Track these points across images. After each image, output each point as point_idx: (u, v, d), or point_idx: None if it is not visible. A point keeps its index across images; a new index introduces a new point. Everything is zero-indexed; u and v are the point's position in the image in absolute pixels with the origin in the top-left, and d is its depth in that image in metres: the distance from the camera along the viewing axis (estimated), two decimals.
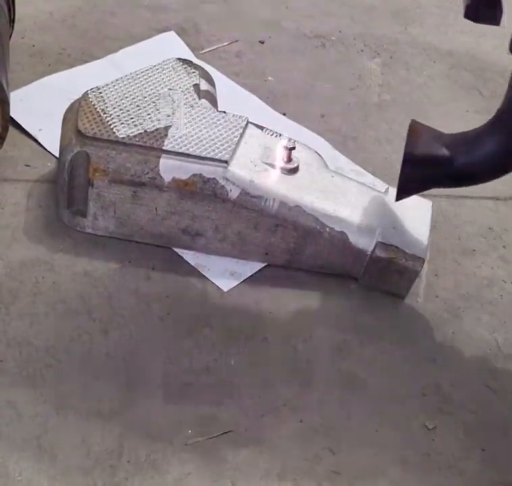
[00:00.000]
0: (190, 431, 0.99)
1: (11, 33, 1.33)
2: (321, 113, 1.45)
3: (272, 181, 1.12)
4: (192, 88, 1.20)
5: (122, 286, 1.12)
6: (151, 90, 1.18)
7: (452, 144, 1.05)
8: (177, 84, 1.21)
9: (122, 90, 1.17)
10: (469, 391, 1.08)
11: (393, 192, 1.21)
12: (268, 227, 1.13)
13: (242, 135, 1.15)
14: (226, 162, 1.11)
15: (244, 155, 1.13)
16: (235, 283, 1.15)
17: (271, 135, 1.18)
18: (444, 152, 1.03)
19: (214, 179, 1.10)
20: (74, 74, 1.41)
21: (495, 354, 1.12)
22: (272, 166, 1.14)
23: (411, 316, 1.15)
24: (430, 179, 1.08)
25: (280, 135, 1.18)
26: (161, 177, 1.10)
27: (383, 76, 1.55)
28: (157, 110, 1.15)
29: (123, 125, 1.12)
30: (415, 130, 1.07)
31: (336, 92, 1.49)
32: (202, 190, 1.10)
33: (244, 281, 1.15)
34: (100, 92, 1.16)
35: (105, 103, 1.15)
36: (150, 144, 1.10)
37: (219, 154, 1.11)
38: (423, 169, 1.06)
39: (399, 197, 1.10)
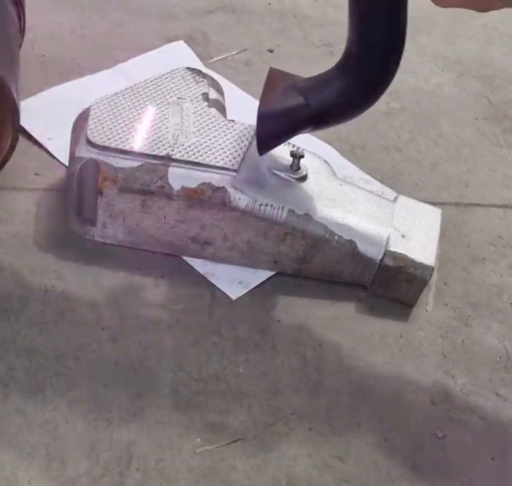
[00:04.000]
0: (198, 439, 0.99)
1: (22, 43, 1.33)
2: None
3: (281, 190, 1.13)
4: (201, 97, 1.21)
5: (131, 294, 1.12)
6: (160, 98, 1.19)
7: (305, 88, 1.04)
8: (186, 93, 1.21)
9: (131, 99, 1.18)
10: (479, 399, 1.07)
11: (402, 200, 1.21)
12: (277, 236, 1.13)
13: (251, 143, 1.15)
14: (235, 170, 1.11)
15: (252, 164, 1.14)
16: (244, 291, 1.15)
17: None
18: (299, 98, 1.03)
19: (223, 187, 1.10)
20: (84, 84, 1.41)
21: (505, 362, 1.12)
22: (281, 174, 1.14)
23: (420, 324, 1.15)
24: (289, 128, 1.07)
25: (289, 143, 1.19)
26: (170, 185, 1.10)
27: (391, 84, 1.55)
28: (166, 119, 1.16)
29: (132, 134, 1.12)
30: (271, 79, 1.07)
31: None
32: (211, 199, 1.10)
33: (253, 289, 1.15)
34: (110, 101, 1.17)
35: (114, 112, 1.15)
36: (159, 153, 1.11)
37: (228, 163, 1.11)
38: (279, 121, 1.05)
39: (261, 151, 1.08)
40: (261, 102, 1.06)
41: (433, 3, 0.88)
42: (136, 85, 1.21)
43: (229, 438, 0.99)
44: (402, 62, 1.57)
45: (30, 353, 1.04)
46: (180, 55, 1.52)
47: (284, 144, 1.19)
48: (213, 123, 1.17)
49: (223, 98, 1.27)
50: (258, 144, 1.08)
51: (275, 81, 1.07)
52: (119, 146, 1.11)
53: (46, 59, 1.47)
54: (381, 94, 1.04)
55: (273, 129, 1.06)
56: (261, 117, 1.05)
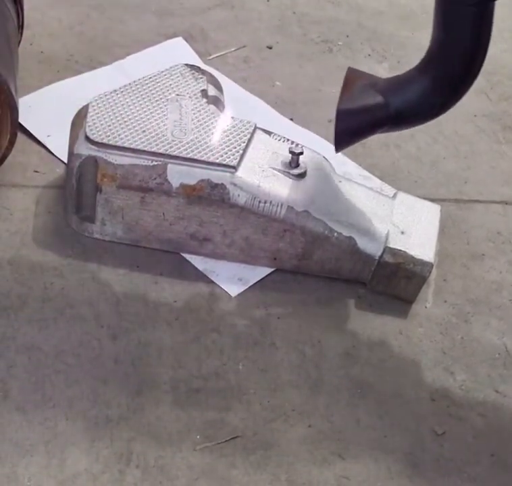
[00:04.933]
0: (198, 436, 0.99)
1: (20, 39, 1.33)
2: (328, 118, 1.45)
3: (280, 187, 1.13)
4: (199, 94, 1.21)
5: (130, 291, 1.12)
6: (159, 95, 1.19)
7: (385, 88, 1.05)
8: (185, 90, 1.21)
9: (130, 96, 1.18)
10: (479, 396, 1.07)
11: (402, 196, 1.21)
12: (276, 232, 1.13)
13: (249, 140, 1.15)
14: (234, 167, 1.11)
15: (251, 160, 1.14)
16: (243, 288, 1.15)
17: (279, 140, 1.18)
18: (378, 97, 1.04)
19: (222, 184, 1.10)
20: (82, 80, 1.41)
21: (504, 358, 1.12)
22: (280, 171, 1.14)
23: (419, 321, 1.15)
24: (367, 127, 1.07)
25: (288, 140, 1.19)
26: (169, 182, 1.10)
27: None
28: (165, 115, 1.16)
29: (131, 130, 1.12)
30: (350, 78, 1.08)
31: None
32: (210, 196, 1.10)
33: (252, 286, 1.15)
34: (108, 98, 1.17)
35: (113, 109, 1.15)
36: (158, 150, 1.10)
37: (227, 160, 1.11)
38: (358, 119, 1.06)
39: (339, 148, 1.09)
40: (340, 100, 1.06)
41: None
42: (134, 82, 1.21)
43: (229, 435, 0.99)
44: (402, 58, 1.56)
45: (30, 350, 1.04)
46: (178, 51, 1.52)
47: (281, 140, 1.19)
48: (211, 119, 1.17)
49: (222, 94, 1.27)
50: (336, 140, 1.08)
51: (353, 80, 1.08)
52: (118, 143, 1.10)
53: (44, 55, 1.46)
54: (463, 95, 1.04)
55: (351, 126, 1.07)
56: (340, 114, 1.06)
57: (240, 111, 1.25)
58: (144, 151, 1.10)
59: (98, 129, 1.12)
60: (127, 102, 1.17)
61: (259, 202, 1.11)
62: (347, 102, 1.06)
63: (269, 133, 1.19)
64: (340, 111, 1.05)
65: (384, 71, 1.56)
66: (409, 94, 1.04)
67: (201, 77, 1.24)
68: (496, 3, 0.97)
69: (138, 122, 1.14)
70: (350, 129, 1.07)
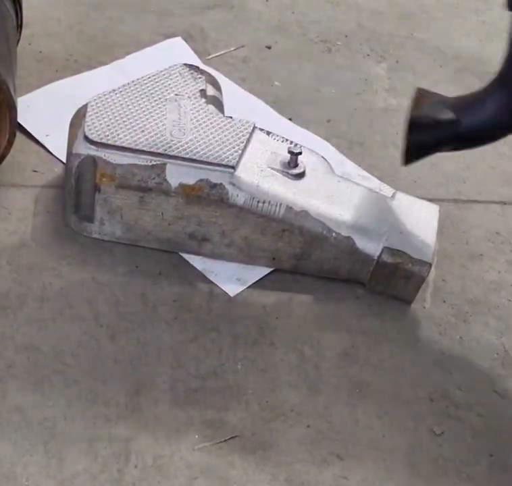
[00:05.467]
0: (197, 436, 0.99)
1: (19, 39, 1.33)
2: (327, 117, 1.45)
3: (279, 187, 1.13)
4: (198, 94, 1.21)
5: (129, 291, 1.12)
6: (158, 95, 1.19)
7: (456, 106, 1.06)
8: (183, 90, 1.21)
9: (129, 96, 1.18)
10: (477, 396, 1.07)
11: (400, 196, 1.21)
12: (275, 232, 1.13)
13: (248, 140, 1.15)
14: (233, 167, 1.11)
15: (250, 160, 1.14)
16: (242, 288, 1.15)
17: (278, 140, 1.19)
18: (449, 114, 1.05)
19: (221, 184, 1.10)
20: (81, 80, 1.41)
21: (503, 358, 1.12)
22: (279, 171, 1.14)
23: (418, 321, 1.15)
24: (436, 143, 1.08)
25: (287, 140, 1.19)
26: (168, 182, 1.10)
27: (389, 81, 1.55)
28: (164, 115, 1.16)
29: (130, 130, 1.12)
30: (419, 96, 1.09)
31: (342, 97, 1.49)
32: (209, 195, 1.10)
33: (251, 286, 1.15)
34: (107, 98, 1.17)
35: (112, 109, 1.15)
36: (157, 150, 1.10)
37: (226, 160, 1.11)
38: (428, 133, 1.07)
39: (407, 162, 1.10)
40: (410, 114, 1.08)
41: None
42: (133, 81, 1.21)
43: (228, 434, 0.99)
44: (401, 58, 1.56)
45: (29, 350, 1.04)
46: (177, 51, 1.51)
47: (280, 140, 1.19)
48: (210, 119, 1.17)
49: (221, 94, 1.27)
50: (406, 153, 1.09)
51: (422, 98, 1.09)
52: (117, 143, 1.10)
53: (43, 55, 1.46)
54: None
55: (422, 140, 1.08)
56: (413, 126, 1.07)
57: (239, 111, 1.25)
58: (143, 151, 1.10)
59: (97, 128, 1.12)
60: (126, 101, 1.17)
61: (258, 202, 1.11)
62: (419, 116, 1.07)
63: (268, 133, 1.19)
64: (413, 122, 1.07)
65: (382, 71, 1.56)
66: (481, 112, 1.04)
67: (200, 77, 1.24)
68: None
69: (137, 122, 1.14)
70: (420, 143, 1.09)
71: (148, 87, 1.20)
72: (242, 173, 1.11)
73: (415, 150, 1.09)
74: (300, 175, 1.15)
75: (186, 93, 1.20)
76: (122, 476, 0.94)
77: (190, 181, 1.10)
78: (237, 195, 1.10)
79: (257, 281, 1.16)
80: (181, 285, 1.14)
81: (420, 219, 1.18)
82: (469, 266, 1.23)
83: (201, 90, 1.21)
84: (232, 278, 1.16)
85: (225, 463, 0.97)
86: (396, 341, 1.12)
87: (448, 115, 1.05)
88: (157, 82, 1.21)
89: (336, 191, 1.16)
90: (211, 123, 1.16)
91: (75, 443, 0.96)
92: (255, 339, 1.10)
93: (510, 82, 1.03)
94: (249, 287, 1.15)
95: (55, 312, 1.08)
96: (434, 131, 1.07)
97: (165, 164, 1.10)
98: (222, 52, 1.54)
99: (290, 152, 1.15)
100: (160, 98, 1.18)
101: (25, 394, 1.00)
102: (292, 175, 1.14)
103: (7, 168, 1.22)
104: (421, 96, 1.09)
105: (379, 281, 1.15)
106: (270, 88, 1.49)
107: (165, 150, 1.11)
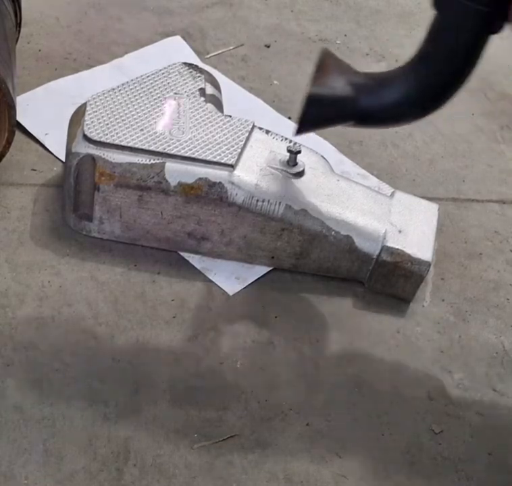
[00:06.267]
0: (196, 435, 0.99)
1: (18, 37, 1.33)
2: None
3: (278, 185, 1.13)
4: (197, 92, 1.21)
5: (128, 290, 1.12)
6: (157, 94, 1.19)
7: (359, 83, 1.02)
8: (182, 88, 1.21)
9: (128, 95, 1.18)
10: (476, 395, 1.07)
11: (399, 195, 1.21)
12: (274, 231, 1.13)
13: (247, 139, 1.15)
14: (232, 166, 1.11)
15: (249, 159, 1.14)
16: (241, 287, 1.15)
17: (277, 139, 1.19)
18: (349, 91, 1.00)
19: (220, 183, 1.10)
20: (80, 79, 1.41)
21: (502, 357, 1.12)
22: (278, 170, 1.14)
23: (417, 320, 1.15)
24: (332, 118, 1.05)
25: (286, 139, 1.19)
26: (167, 181, 1.10)
27: None
28: (163, 114, 1.16)
29: (129, 129, 1.12)
30: (324, 64, 1.04)
31: None
32: (208, 194, 1.10)
33: (250, 285, 1.15)
34: (107, 97, 1.17)
35: (111, 107, 1.15)
36: (156, 148, 1.10)
37: (225, 158, 1.11)
38: (324, 108, 1.03)
39: (298, 133, 1.06)
40: (311, 84, 1.03)
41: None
42: (132, 80, 1.21)
43: (227, 433, 0.99)
44: (400, 57, 1.56)
45: (27, 349, 1.04)
46: (176, 50, 1.52)
47: (280, 138, 1.19)
48: (209, 118, 1.17)
49: (220, 93, 1.27)
50: (299, 124, 1.05)
51: (327, 65, 1.04)
52: (116, 142, 1.10)
53: (42, 54, 1.46)
54: (438, 107, 1.02)
55: (317, 114, 1.04)
56: (309, 99, 1.02)
57: (238, 110, 1.25)
58: (142, 150, 1.10)
59: (96, 127, 1.12)
60: (125, 100, 1.17)
61: (257, 200, 1.11)
62: (318, 88, 1.02)
63: (267, 132, 1.19)
64: (310, 95, 1.02)
65: (382, 69, 1.56)
66: (382, 95, 1.01)
67: (199, 76, 1.24)
68: None
69: (136, 121, 1.14)
70: (315, 116, 1.04)
71: (147, 86, 1.20)
72: (241, 171, 1.11)
73: (308, 123, 1.04)
74: (300, 174, 1.15)
75: (185, 92, 1.20)
76: (121, 475, 0.94)
77: (189, 180, 1.10)
78: (236, 194, 1.10)
79: (256, 279, 1.16)
80: (180, 284, 1.14)
81: (419, 218, 1.18)
82: (468, 265, 1.23)
83: (200, 89, 1.21)
84: (231, 277, 1.16)
85: (225, 462, 0.97)
86: (395, 340, 1.12)
87: (347, 92, 1.01)
88: (156, 81, 1.21)
89: (335, 190, 1.16)
90: (210, 122, 1.16)
91: (74, 442, 0.96)
92: (254, 338, 1.10)
93: (416, 72, 0.99)
94: (248, 286, 1.15)
95: (54, 310, 1.08)
96: (330, 107, 1.03)
97: (164, 163, 1.10)
98: (221, 51, 1.54)
99: (289, 151, 1.14)
100: (159, 97, 1.18)
101: (24, 393, 1.00)
102: (291, 174, 1.14)
103: (6, 167, 1.22)
104: (326, 64, 1.04)
105: (379, 279, 1.15)
106: (269, 86, 1.49)
107: (164, 149, 1.11)
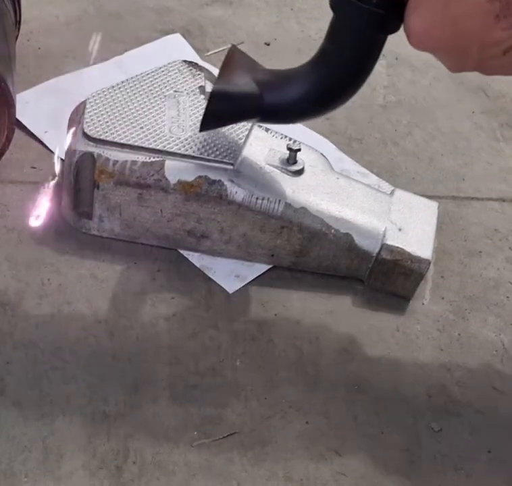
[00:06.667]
0: (195, 433, 0.99)
1: (18, 35, 1.33)
2: (326, 115, 1.45)
3: (277, 183, 1.12)
4: (197, 90, 1.21)
5: (128, 288, 1.12)
6: (157, 92, 1.19)
7: (264, 80, 1.02)
8: (182, 86, 1.21)
9: (128, 92, 1.18)
10: (476, 393, 1.07)
11: (399, 193, 1.21)
12: (273, 229, 1.13)
13: (247, 137, 1.15)
14: (232, 164, 1.11)
15: (249, 157, 1.14)
16: (240, 285, 1.15)
17: (277, 137, 1.18)
18: (254, 88, 1.01)
19: (219, 181, 1.10)
20: (80, 76, 1.41)
21: (501, 355, 1.12)
22: (277, 168, 1.14)
23: (416, 317, 1.15)
24: (236, 114, 1.05)
25: (285, 137, 1.19)
26: (167, 179, 1.10)
27: (388, 78, 1.55)
28: (163, 112, 1.16)
29: (128, 127, 1.12)
30: (230, 62, 1.04)
31: None
32: (208, 192, 1.10)
33: (250, 282, 1.15)
34: (106, 94, 1.16)
35: (111, 105, 1.15)
36: (156, 146, 1.10)
37: (225, 156, 1.11)
38: (229, 104, 1.03)
39: (203, 129, 1.07)
40: (217, 80, 1.04)
41: (409, 43, 0.90)
42: (132, 78, 1.21)
43: (226, 431, 1.00)
44: (400, 55, 1.56)
45: (27, 347, 1.04)
46: (176, 47, 1.51)
47: (279, 136, 1.19)
48: None
49: None
50: (203, 120, 1.05)
51: (234, 62, 1.05)
52: (116, 140, 1.10)
53: (42, 51, 1.46)
54: (339, 104, 1.02)
55: (222, 110, 1.04)
56: (214, 96, 1.03)
57: None
58: (141, 147, 1.10)
59: (95, 125, 1.12)
60: (124, 98, 1.17)
61: (257, 198, 1.11)
62: (223, 85, 1.03)
63: (266, 129, 1.19)
64: (215, 92, 1.02)
65: (381, 67, 1.56)
66: (286, 92, 1.01)
67: (199, 74, 1.24)
68: None
69: (136, 118, 1.14)
70: (220, 113, 1.04)
71: (147, 83, 1.20)
72: (241, 169, 1.11)
73: (213, 119, 1.05)
74: (299, 172, 1.15)
75: (185, 89, 1.20)
76: (121, 473, 0.94)
77: (189, 177, 1.10)
78: (236, 192, 1.10)
79: (256, 277, 1.16)
80: (179, 282, 1.14)
81: (419, 216, 1.18)
82: (467, 263, 1.23)
83: (200, 87, 1.21)
84: (230, 275, 1.16)
85: (224, 459, 0.97)
86: (395, 338, 1.12)
87: (252, 88, 1.00)
88: (155, 79, 1.21)
89: (335, 188, 1.16)
90: None
91: (73, 440, 0.96)
92: (254, 335, 1.10)
93: (316, 70, 1.00)
94: (248, 284, 1.15)
95: (53, 308, 1.08)
96: (235, 104, 1.03)
97: (163, 161, 1.10)
98: (221, 48, 1.54)
99: (289, 148, 1.14)
100: (159, 95, 1.18)
101: (23, 390, 1.00)
102: (290, 171, 1.14)
103: (6, 164, 1.22)
104: (232, 61, 1.04)
105: (378, 277, 1.15)
106: None
107: (164, 147, 1.11)
